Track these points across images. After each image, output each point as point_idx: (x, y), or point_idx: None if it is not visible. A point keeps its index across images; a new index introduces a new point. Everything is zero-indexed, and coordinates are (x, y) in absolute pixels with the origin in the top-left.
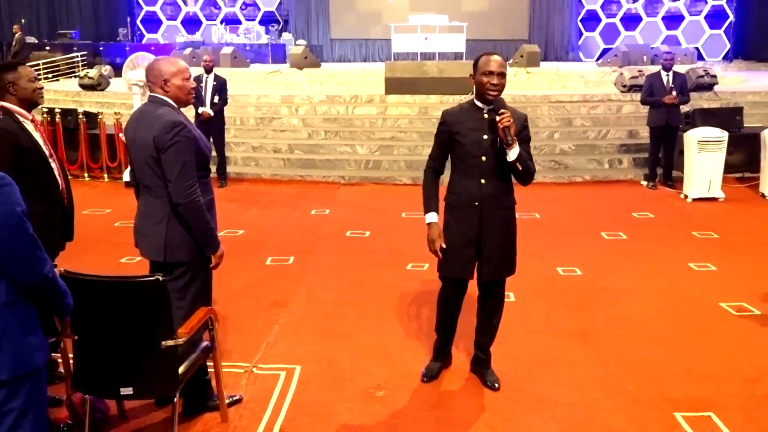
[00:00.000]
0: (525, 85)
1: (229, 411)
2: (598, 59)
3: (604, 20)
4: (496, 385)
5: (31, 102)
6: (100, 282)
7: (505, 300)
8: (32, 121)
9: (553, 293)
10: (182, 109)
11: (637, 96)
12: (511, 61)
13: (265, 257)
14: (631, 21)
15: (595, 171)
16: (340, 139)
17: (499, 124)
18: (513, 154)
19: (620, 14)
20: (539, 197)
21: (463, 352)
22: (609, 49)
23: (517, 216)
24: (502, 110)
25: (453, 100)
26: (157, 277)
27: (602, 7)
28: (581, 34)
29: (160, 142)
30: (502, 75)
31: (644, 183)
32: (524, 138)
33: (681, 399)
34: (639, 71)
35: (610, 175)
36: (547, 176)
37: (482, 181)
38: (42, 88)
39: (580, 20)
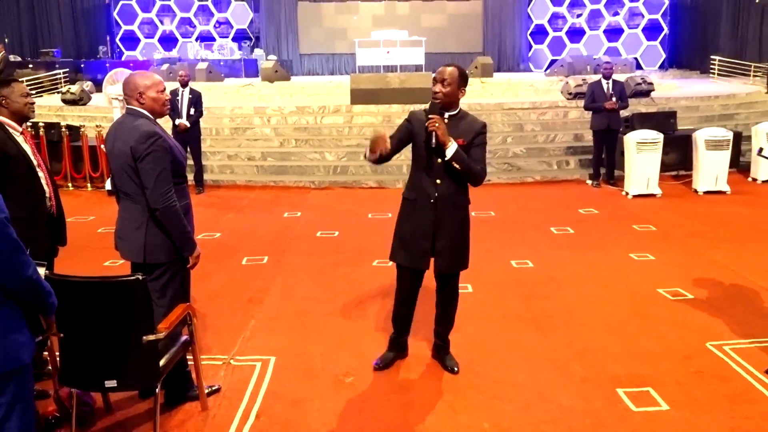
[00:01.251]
0: (480, 94)
1: (209, 400)
2: (546, 69)
3: (551, 34)
4: (456, 368)
5: (21, 116)
6: (83, 282)
7: (463, 291)
8: (22, 132)
9: (507, 284)
10: (159, 121)
11: (582, 102)
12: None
13: (241, 258)
14: (576, 34)
15: (544, 172)
16: (309, 146)
17: (429, 127)
18: (448, 152)
19: (566, 28)
20: (494, 197)
21: (423, 340)
22: (556, 60)
23: (473, 214)
24: (431, 116)
25: (414, 109)
26: (138, 276)
27: (549, 21)
28: (531, 46)
29: (136, 152)
30: (443, 82)
31: (589, 182)
32: (478, 143)
33: (623, 376)
34: (583, 80)
35: (558, 175)
36: (501, 177)
37: (438, 180)
38: (34, 103)
39: (530, 34)
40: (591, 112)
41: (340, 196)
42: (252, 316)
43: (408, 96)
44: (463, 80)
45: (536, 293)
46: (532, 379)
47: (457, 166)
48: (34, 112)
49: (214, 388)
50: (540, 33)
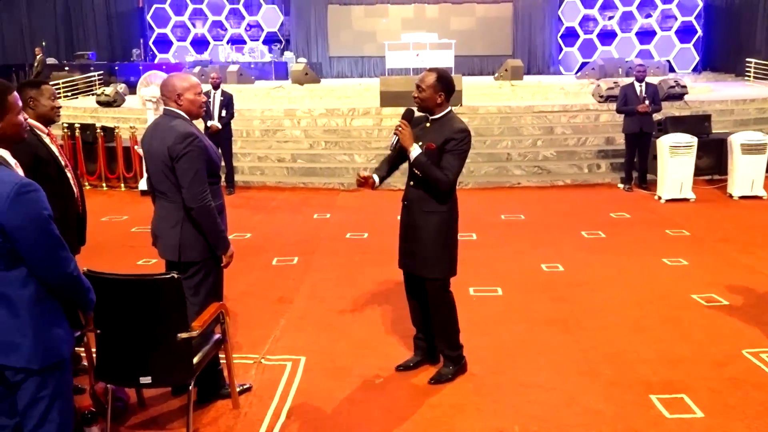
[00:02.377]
0: (510, 97)
1: (240, 398)
2: (576, 72)
3: (582, 36)
4: (431, 381)
5: (47, 118)
6: (120, 280)
7: (493, 294)
8: (48, 134)
9: (537, 287)
10: (193, 122)
11: (613, 105)
12: (496, 74)
13: (271, 258)
14: (607, 37)
15: (575, 175)
16: (339, 148)
17: (394, 132)
18: (411, 157)
19: (597, 31)
20: (524, 200)
21: None
22: (587, 62)
23: (502, 217)
24: (401, 120)
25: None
26: (173, 274)
27: (580, 24)
28: (561, 49)
29: (173, 152)
30: (419, 88)
31: (621, 186)
32: (449, 149)
33: (655, 382)
34: (614, 83)
35: (589, 179)
36: (531, 180)
37: (411, 183)
38: (60, 107)
39: (560, 37)
40: (623, 116)
41: (369, 197)
42: (282, 316)
43: None
44: (442, 85)
45: (566, 297)
46: (561, 382)
47: (417, 171)
48: (59, 115)
49: (245, 387)
50: (570, 35)
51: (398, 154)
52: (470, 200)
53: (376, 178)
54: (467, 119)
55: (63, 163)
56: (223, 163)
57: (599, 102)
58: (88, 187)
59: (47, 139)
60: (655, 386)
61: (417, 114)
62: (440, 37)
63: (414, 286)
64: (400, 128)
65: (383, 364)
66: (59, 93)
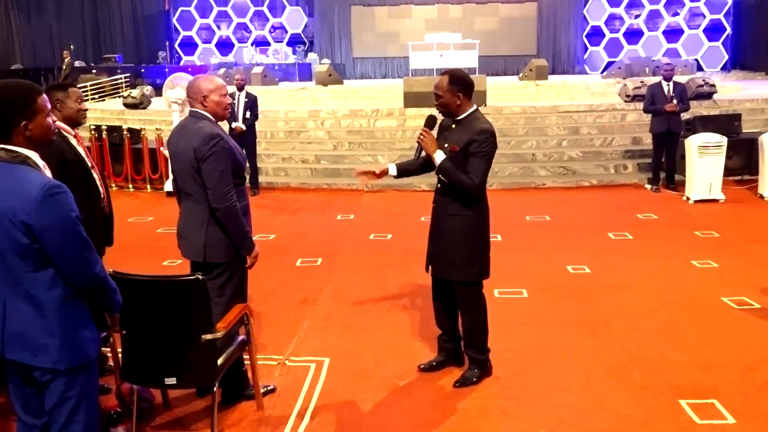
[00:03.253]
0: (534, 97)
1: (264, 399)
2: (602, 72)
3: (608, 35)
4: (456, 384)
5: (74, 120)
6: (145, 281)
7: (518, 296)
8: (75, 136)
9: (563, 289)
10: (218, 123)
11: (640, 105)
12: (521, 74)
13: (295, 259)
14: (634, 35)
15: (601, 176)
16: (363, 149)
17: (417, 140)
18: (436, 163)
19: (623, 29)
20: (549, 201)
21: None
22: (613, 62)
23: (527, 218)
24: (423, 127)
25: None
26: (197, 276)
27: (606, 23)
28: (586, 48)
29: (199, 153)
30: (436, 94)
31: (648, 186)
32: (473, 151)
33: (685, 386)
34: (641, 82)
35: (615, 179)
36: (557, 181)
37: (438, 185)
38: (86, 109)
39: (585, 36)
40: (650, 115)
41: (393, 199)
42: (306, 317)
43: None
44: (457, 86)
45: (593, 299)
46: (589, 385)
47: (443, 178)
48: (85, 118)
49: (269, 388)
50: (596, 35)
51: (424, 162)
52: (495, 201)
53: (393, 168)
54: (491, 119)
55: (89, 164)
56: (247, 164)
57: (626, 101)
58: (114, 189)
59: (74, 141)
60: (685, 391)
61: (443, 118)
62: (464, 37)
63: (440, 289)
64: (422, 136)
65: (408, 366)
66: (86, 95)
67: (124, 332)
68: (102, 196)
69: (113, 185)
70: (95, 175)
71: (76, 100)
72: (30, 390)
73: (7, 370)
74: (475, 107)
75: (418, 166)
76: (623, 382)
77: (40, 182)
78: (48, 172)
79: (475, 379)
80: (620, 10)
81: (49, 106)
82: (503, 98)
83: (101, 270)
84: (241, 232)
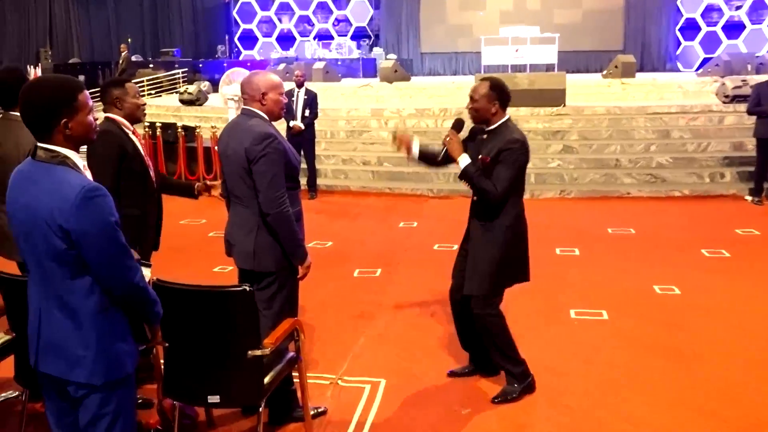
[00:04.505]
0: (620, 97)
1: (314, 422)
2: (697, 69)
3: (705, 29)
4: (496, 399)
5: (134, 117)
6: (190, 291)
7: (598, 318)
8: (134, 132)
9: (648, 311)
10: (274, 123)
11: (740, 107)
12: (605, 72)
13: (353, 269)
14: (734, 29)
15: (694, 185)
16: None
17: (443, 143)
18: (460, 167)
19: (722, 22)
20: (634, 212)
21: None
22: (710, 58)
23: (609, 231)
24: (450, 129)
25: (543, 113)
26: (245, 287)
27: (702, 15)
28: (680, 43)
29: (251, 153)
30: (472, 98)
31: (749, 198)
32: (501, 159)
33: None
34: (743, 80)
35: (710, 189)
36: (643, 190)
37: (474, 197)
38: (145, 104)
39: (679, 29)
40: (756, 118)
41: (460, 205)
42: (362, 333)
43: (537, 98)
44: (496, 94)
45: (682, 324)
46: (671, 420)
47: (466, 184)
48: (145, 114)
49: (319, 410)
50: (691, 28)
51: (446, 158)
52: (573, 211)
53: (416, 146)
54: (571, 121)
55: (147, 162)
56: (304, 166)
57: (724, 102)
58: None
59: (133, 137)
60: None
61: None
62: (542, 30)
63: (459, 306)
64: (448, 138)
65: (471, 392)
66: (143, 91)
67: (167, 344)
68: (155, 196)
69: None
70: (151, 173)
71: (135, 95)
72: (64, 405)
73: (43, 384)
74: (508, 117)
75: (440, 160)
76: (710, 418)
77: (78, 184)
78: (88, 174)
79: (515, 395)
80: (719, 1)
81: (90, 103)
82: (585, 98)
83: (141, 279)
84: (293, 240)
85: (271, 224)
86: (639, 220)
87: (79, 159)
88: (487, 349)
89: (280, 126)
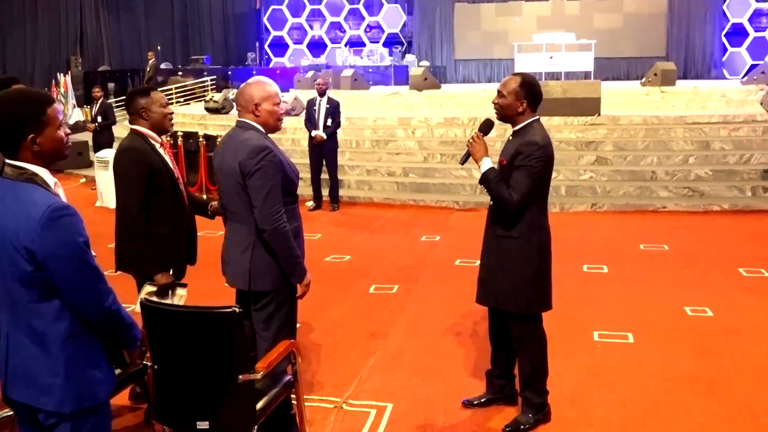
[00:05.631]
0: (658, 106)
1: None
2: (743, 77)
3: (752, 34)
4: (507, 428)
5: (161, 128)
6: (176, 312)
7: (622, 341)
8: (162, 144)
9: (678, 335)
10: (275, 135)
11: None
12: (643, 79)
13: (369, 285)
14: None
15: (734, 199)
16: (456, 162)
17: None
18: (481, 170)
19: None
20: (669, 226)
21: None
22: (757, 65)
23: (641, 247)
24: (476, 131)
25: (577, 122)
26: (234, 308)
27: (750, 20)
28: (726, 49)
29: (245, 168)
30: (500, 93)
31: None
32: (518, 164)
33: None
34: None
35: (752, 204)
36: (679, 204)
37: (491, 203)
38: (172, 113)
39: (725, 35)
40: None
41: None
42: (373, 353)
43: (571, 107)
44: (525, 91)
45: (714, 349)
46: None
47: (485, 188)
48: (172, 124)
49: None
50: (738, 34)
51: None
52: (604, 225)
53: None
54: (605, 130)
55: (176, 175)
56: (326, 176)
57: None
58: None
59: (161, 150)
60: None
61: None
62: (580, 36)
63: (495, 320)
64: (472, 140)
65: (481, 419)
66: (171, 99)
67: (155, 367)
68: (187, 210)
69: None
70: (181, 188)
71: (161, 104)
72: None
73: (17, 410)
74: (536, 118)
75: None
76: None
77: (44, 203)
78: (61, 191)
79: (528, 425)
80: None
81: (61, 117)
82: (621, 107)
83: (113, 302)
84: (290, 257)
85: (268, 241)
86: (674, 236)
87: (50, 176)
88: (519, 372)
89: (298, 136)
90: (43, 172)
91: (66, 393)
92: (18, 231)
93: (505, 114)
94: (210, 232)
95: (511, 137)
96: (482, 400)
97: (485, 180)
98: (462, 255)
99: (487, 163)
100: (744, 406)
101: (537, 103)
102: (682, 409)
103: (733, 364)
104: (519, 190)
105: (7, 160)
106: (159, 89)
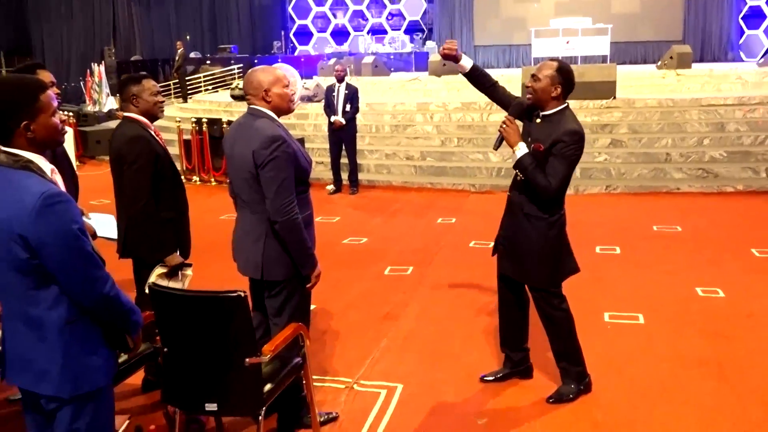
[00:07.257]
0: (674, 88)
1: (324, 429)
2: (760, 59)
3: None
4: (551, 399)
5: (151, 114)
6: (184, 296)
7: (633, 322)
8: (155, 132)
9: (689, 317)
10: (291, 120)
11: None
12: (659, 62)
13: (385, 267)
14: None
15: (749, 180)
16: (473, 146)
17: (499, 129)
18: (516, 156)
19: None
20: (682, 207)
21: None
22: None
23: (654, 228)
24: (506, 116)
25: (593, 105)
26: (239, 293)
27: None
28: (743, 32)
29: (258, 157)
30: (534, 77)
31: None
32: (556, 152)
33: None
34: None
35: (766, 185)
36: (693, 185)
37: (518, 177)
38: (163, 101)
39: (742, 17)
40: None
41: (502, 201)
42: (385, 335)
43: (586, 91)
44: (561, 77)
45: (725, 331)
46: None
47: (521, 175)
48: (162, 111)
49: (331, 416)
50: (756, 16)
51: (495, 86)
52: (618, 207)
53: (468, 62)
54: (621, 113)
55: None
56: (345, 160)
57: None
58: (213, 184)
59: (156, 137)
60: None
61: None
62: (597, 21)
63: (510, 292)
64: (504, 125)
65: (492, 402)
66: (200, 87)
67: (165, 350)
68: (185, 194)
69: (212, 180)
70: (179, 173)
71: (152, 93)
72: (40, 418)
73: (21, 395)
74: (566, 105)
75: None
76: None
77: (37, 190)
78: (58, 178)
79: (572, 396)
80: None
81: (55, 104)
82: (637, 90)
83: (111, 288)
84: (301, 249)
85: (279, 232)
86: (687, 217)
87: (46, 163)
88: (552, 348)
89: (320, 122)
90: (38, 159)
91: (64, 378)
92: (12, 218)
93: (539, 98)
94: (232, 215)
95: (538, 120)
96: (499, 375)
97: (521, 165)
98: (477, 237)
99: (523, 149)
100: (754, 389)
101: (570, 90)
102: (691, 392)
103: (743, 347)
104: (557, 178)
105: (2, 147)
106: (189, 77)
